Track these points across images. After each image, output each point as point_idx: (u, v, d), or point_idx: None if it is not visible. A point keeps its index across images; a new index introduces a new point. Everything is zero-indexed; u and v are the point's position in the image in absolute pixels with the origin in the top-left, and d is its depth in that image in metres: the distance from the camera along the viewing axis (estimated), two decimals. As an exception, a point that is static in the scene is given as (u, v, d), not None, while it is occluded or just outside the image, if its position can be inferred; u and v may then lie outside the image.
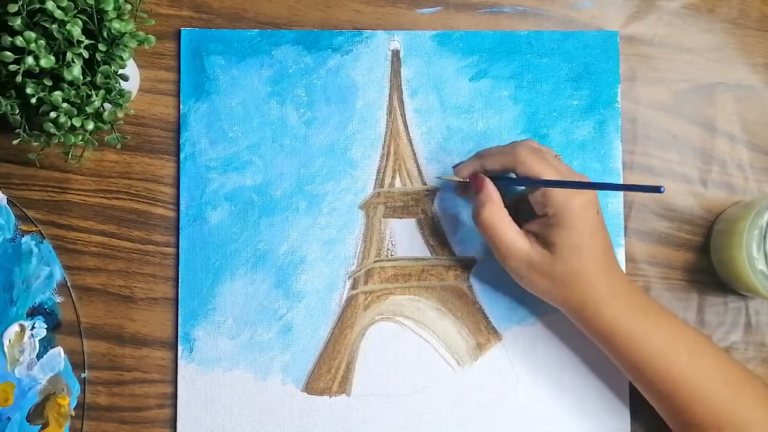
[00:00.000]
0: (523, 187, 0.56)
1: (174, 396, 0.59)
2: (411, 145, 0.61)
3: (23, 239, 0.59)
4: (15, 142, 0.53)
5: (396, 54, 0.61)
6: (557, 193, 0.52)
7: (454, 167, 0.57)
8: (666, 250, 0.60)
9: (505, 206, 0.54)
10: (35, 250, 0.59)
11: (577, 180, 0.53)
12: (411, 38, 0.61)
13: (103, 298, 0.59)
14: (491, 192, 0.54)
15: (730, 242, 0.56)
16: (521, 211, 0.55)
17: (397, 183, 0.60)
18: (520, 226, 0.54)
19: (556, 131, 0.60)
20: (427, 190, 0.60)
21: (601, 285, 0.53)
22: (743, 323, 0.60)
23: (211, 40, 0.61)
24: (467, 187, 0.56)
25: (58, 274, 0.59)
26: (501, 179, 0.55)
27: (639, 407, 0.58)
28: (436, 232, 0.60)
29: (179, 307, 0.59)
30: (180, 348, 0.59)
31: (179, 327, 0.59)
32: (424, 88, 0.61)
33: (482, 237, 0.54)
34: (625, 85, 0.61)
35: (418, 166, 0.60)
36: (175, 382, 0.59)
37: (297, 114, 0.60)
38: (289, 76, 0.61)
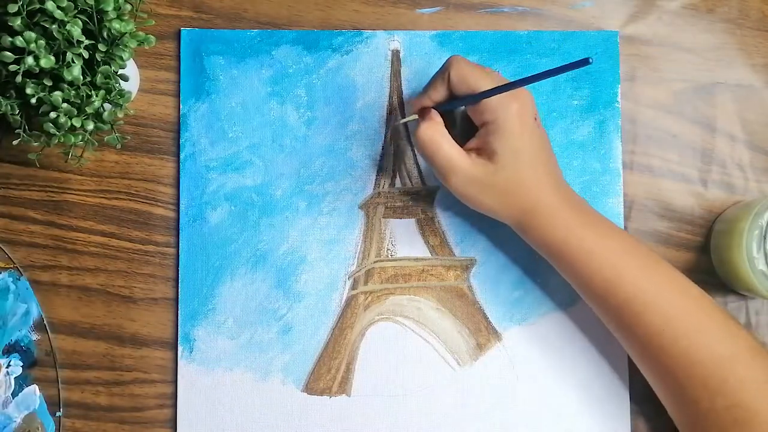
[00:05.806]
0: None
1: (174, 396, 0.59)
2: (411, 145, 0.61)
3: (0, 276, 0.59)
4: (15, 142, 0.53)
5: (396, 54, 0.61)
6: (494, 99, 0.51)
7: (412, 101, 0.57)
8: (666, 250, 0.60)
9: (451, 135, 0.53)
10: (12, 287, 0.58)
11: (509, 83, 0.52)
12: (411, 38, 0.61)
13: (103, 299, 0.59)
14: (433, 115, 0.54)
15: (730, 242, 0.56)
16: (464, 136, 0.55)
17: (397, 183, 0.60)
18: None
19: (556, 131, 0.60)
20: (427, 190, 0.60)
21: (548, 193, 0.52)
22: (743, 323, 0.59)
23: (211, 40, 0.60)
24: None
25: (35, 311, 0.59)
26: (446, 106, 0.55)
27: (640, 407, 0.58)
28: (436, 232, 0.60)
29: (179, 307, 0.59)
30: (180, 348, 0.59)
31: (179, 327, 0.59)
32: (424, 88, 0.61)
33: (423, 158, 0.54)
34: (625, 85, 0.61)
35: (418, 166, 0.60)
36: (175, 383, 0.59)
37: (297, 114, 0.60)
38: (289, 76, 0.61)
